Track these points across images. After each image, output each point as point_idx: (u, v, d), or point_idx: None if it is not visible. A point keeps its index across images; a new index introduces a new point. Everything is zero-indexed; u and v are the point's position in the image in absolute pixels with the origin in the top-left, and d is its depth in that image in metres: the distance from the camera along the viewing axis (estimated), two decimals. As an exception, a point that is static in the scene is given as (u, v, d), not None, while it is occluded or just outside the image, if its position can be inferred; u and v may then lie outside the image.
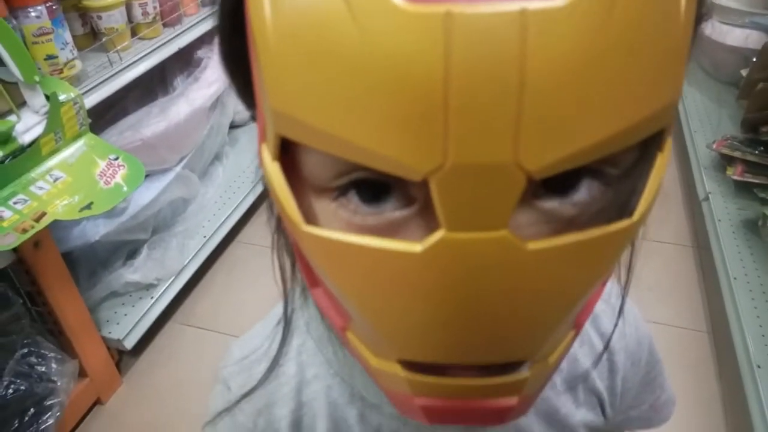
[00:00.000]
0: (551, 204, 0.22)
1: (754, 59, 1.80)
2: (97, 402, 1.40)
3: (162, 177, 1.59)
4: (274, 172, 0.23)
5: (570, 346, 0.26)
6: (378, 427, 0.39)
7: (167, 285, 1.53)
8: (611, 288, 0.40)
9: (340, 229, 0.22)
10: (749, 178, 1.60)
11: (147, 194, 1.50)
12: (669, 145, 0.23)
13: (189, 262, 1.61)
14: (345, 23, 0.17)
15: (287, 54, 0.19)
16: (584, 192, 0.22)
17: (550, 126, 0.18)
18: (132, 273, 1.47)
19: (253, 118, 0.27)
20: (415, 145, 0.18)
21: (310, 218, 0.23)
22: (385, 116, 0.18)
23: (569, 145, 0.18)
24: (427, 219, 0.22)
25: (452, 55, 0.17)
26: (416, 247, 0.20)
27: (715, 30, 2.13)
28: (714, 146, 1.74)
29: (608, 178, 0.22)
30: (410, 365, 0.24)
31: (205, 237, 1.69)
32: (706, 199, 1.67)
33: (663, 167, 0.22)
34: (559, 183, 0.21)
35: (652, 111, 0.19)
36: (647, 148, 0.22)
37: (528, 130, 0.17)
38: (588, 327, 0.42)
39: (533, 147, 0.18)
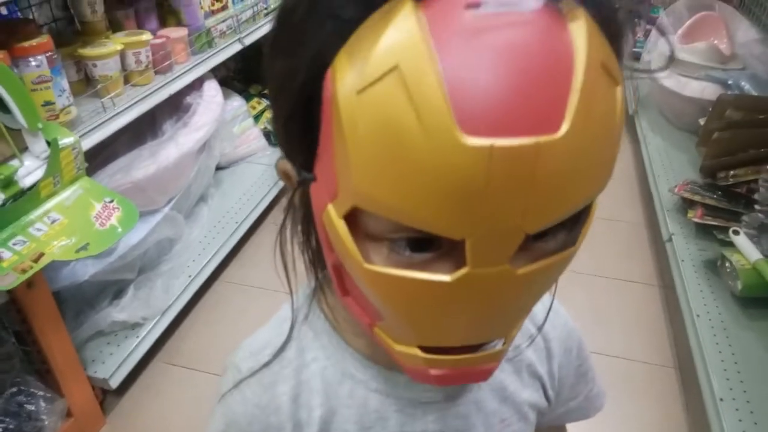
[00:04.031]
0: (533, 245, 0.32)
1: (710, 109, 1.93)
2: (80, 442, 1.40)
3: (150, 218, 1.62)
4: (341, 227, 0.32)
5: (522, 325, 0.39)
6: (365, 400, 0.48)
7: (153, 324, 1.56)
8: None
9: (384, 263, 0.32)
10: (709, 221, 1.70)
11: (135, 235, 1.53)
12: (596, 199, 0.34)
13: (174, 301, 1.64)
14: (420, 139, 0.26)
15: (374, 153, 0.28)
16: (553, 237, 0.33)
17: (544, 208, 0.28)
18: (118, 312, 1.49)
19: (305, 177, 0.35)
20: (460, 220, 0.28)
21: (363, 254, 0.32)
22: (442, 201, 0.27)
23: (552, 216, 0.29)
24: (449, 257, 0.32)
25: (491, 170, 0.26)
26: (447, 278, 0.31)
27: (676, 82, 2.28)
28: (675, 190, 1.84)
29: (567, 227, 0.34)
30: (426, 348, 0.36)
31: (190, 276, 1.72)
32: (670, 240, 1.76)
33: (593, 213, 0.34)
34: (541, 233, 0.32)
35: (601, 186, 0.31)
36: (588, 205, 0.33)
37: (531, 211, 0.28)
38: (527, 321, 0.54)
39: (533, 219, 0.28)
